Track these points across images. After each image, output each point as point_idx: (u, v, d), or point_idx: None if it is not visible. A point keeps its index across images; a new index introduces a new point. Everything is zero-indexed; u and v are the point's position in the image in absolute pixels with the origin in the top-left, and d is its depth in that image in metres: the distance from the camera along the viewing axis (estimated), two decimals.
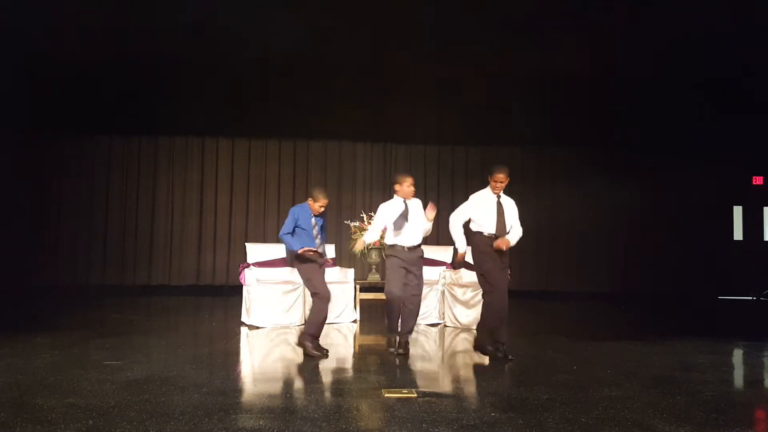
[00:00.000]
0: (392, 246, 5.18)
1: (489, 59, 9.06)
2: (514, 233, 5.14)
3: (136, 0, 7.29)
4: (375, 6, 7.29)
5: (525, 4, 7.26)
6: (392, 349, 5.21)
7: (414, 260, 5.18)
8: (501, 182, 5.05)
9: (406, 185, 5.21)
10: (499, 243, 4.96)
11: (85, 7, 7.29)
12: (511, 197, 5.37)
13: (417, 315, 5.36)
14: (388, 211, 5.24)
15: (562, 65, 9.07)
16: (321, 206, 5.13)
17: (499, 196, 5.12)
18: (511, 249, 5.16)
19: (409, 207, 5.21)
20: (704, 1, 7.01)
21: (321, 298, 5.11)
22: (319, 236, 5.17)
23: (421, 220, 5.19)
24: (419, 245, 5.24)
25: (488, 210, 5.05)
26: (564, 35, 8.11)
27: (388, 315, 5.25)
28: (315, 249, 5.08)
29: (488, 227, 5.02)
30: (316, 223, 5.16)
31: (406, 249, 5.14)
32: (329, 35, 8.22)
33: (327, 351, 5.19)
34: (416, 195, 5.35)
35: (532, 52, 8.72)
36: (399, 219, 5.14)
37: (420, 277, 5.23)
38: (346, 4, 7.28)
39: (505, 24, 7.79)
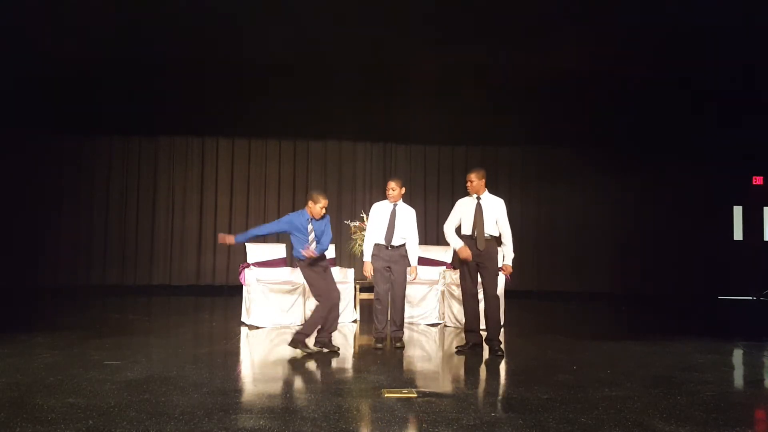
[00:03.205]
0: (376, 245, 5.61)
1: (489, 59, 9.06)
2: (507, 247, 5.37)
3: (136, 0, 7.28)
4: (375, 6, 7.29)
5: (525, 4, 7.25)
6: (379, 345, 5.52)
7: (396, 258, 5.58)
8: (469, 182, 5.42)
9: (389, 190, 5.65)
10: (504, 272, 5.41)
11: (86, 7, 7.28)
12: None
13: (403, 309, 5.75)
14: (377, 213, 5.71)
15: (563, 65, 9.07)
16: (322, 207, 5.15)
17: (479, 198, 5.37)
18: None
19: (396, 210, 5.64)
20: (705, 1, 7.01)
21: (323, 301, 5.21)
22: (314, 242, 5.20)
23: (404, 223, 5.61)
24: (401, 245, 5.62)
25: (467, 212, 5.41)
26: (564, 35, 8.11)
27: (376, 313, 5.64)
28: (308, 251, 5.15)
29: (465, 228, 5.40)
30: (313, 229, 5.19)
31: (388, 248, 5.52)
32: (329, 35, 8.22)
33: (338, 348, 5.31)
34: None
35: (532, 52, 8.71)
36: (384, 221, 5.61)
37: (401, 273, 5.60)
38: (346, 4, 7.27)
39: (505, 24, 7.78)
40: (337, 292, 5.36)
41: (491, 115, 10.30)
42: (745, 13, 7.14)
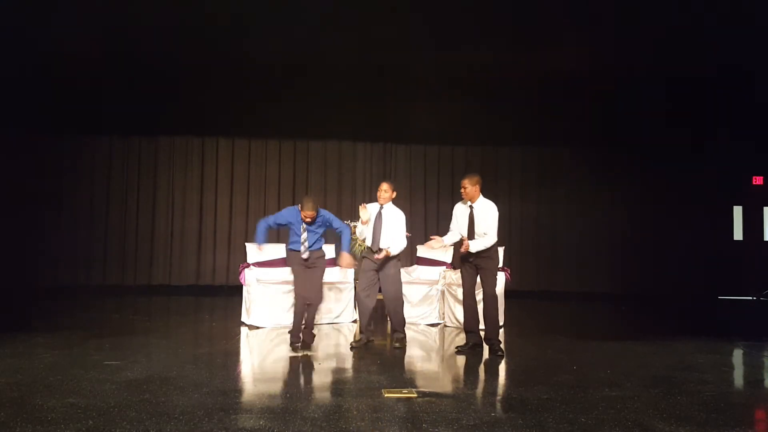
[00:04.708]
0: (368, 248, 5.59)
1: (489, 59, 9.06)
2: (480, 239, 5.28)
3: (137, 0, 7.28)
4: (375, 6, 7.29)
5: (525, 4, 7.25)
6: (371, 342, 5.62)
7: (383, 261, 5.48)
8: (463, 188, 5.38)
9: (381, 191, 5.55)
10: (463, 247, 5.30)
11: (86, 7, 7.28)
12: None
13: (401, 311, 5.67)
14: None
15: (562, 65, 9.07)
16: (305, 216, 5.18)
17: (471, 206, 5.38)
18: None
19: (382, 212, 5.55)
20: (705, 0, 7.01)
21: (296, 299, 5.33)
22: (306, 241, 5.25)
23: (390, 225, 5.52)
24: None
25: (462, 218, 5.45)
26: (564, 35, 8.11)
27: (360, 314, 5.66)
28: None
29: (462, 232, 5.43)
30: (305, 229, 5.25)
31: (375, 251, 5.50)
32: (330, 36, 8.22)
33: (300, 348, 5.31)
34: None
35: (532, 52, 8.71)
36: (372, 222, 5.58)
37: (390, 276, 5.51)
38: (346, 5, 7.27)
39: (505, 24, 7.79)
40: (317, 293, 5.37)
41: (491, 115, 10.30)
42: (745, 13, 7.14)
